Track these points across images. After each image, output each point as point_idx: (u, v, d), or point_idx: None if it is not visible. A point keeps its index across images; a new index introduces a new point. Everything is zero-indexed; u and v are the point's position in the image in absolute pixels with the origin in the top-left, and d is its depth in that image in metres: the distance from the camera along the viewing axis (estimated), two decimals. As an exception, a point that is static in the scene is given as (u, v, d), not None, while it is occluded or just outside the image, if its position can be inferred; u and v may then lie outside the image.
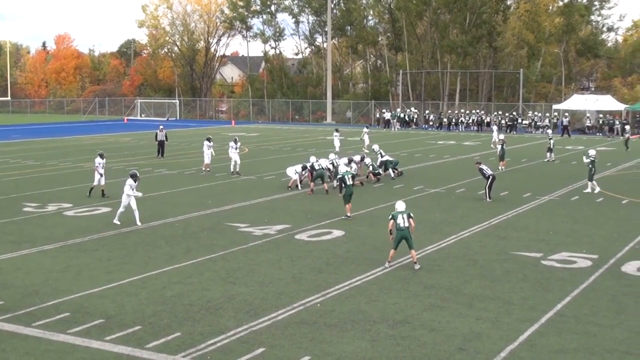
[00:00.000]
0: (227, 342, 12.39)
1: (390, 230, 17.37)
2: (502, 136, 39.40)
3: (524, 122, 72.28)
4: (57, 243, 20.07)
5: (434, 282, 16.23)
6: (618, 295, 15.29)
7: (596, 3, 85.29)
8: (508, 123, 70.73)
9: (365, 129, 50.78)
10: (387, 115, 77.05)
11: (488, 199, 27.44)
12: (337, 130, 47.18)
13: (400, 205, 17.59)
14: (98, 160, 28.02)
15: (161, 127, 44.98)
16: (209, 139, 36.62)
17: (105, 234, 21.30)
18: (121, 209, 23.00)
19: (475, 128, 73.29)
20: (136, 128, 74.66)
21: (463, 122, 74.63)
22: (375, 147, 35.87)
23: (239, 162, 34.99)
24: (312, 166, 30.41)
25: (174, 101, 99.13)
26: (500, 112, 75.53)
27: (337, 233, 21.45)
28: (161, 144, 43.59)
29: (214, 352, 11.95)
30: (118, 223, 22.69)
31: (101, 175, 28.09)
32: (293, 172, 31.03)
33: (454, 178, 33.47)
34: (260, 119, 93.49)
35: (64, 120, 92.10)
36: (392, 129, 73.80)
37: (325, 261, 18.09)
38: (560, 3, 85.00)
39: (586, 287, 15.88)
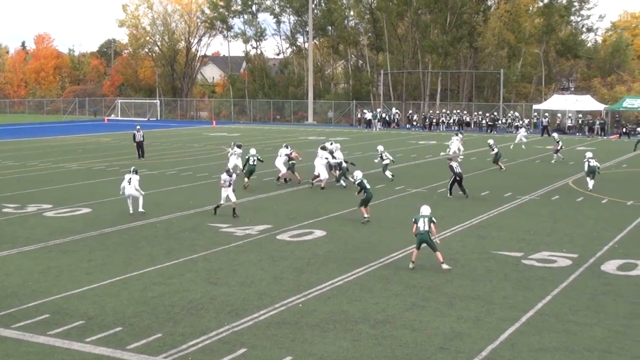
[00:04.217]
0: (209, 343, 12.36)
1: (416, 234, 17.44)
2: (491, 141, 39.06)
3: (503, 121, 72.96)
4: (37, 244, 19.94)
5: (415, 281, 16.27)
6: (598, 294, 15.40)
7: (576, 4, 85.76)
8: (489, 123, 71.20)
9: (456, 136, 45.14)
10: (369, 116, 77.19)
11: (449, 194, 28.32)
12: (457, 134, 44.54)
13: (425, 210, 17.62)
14: (224, 177, 24.01)
15: (138, 127, 44.51)
16: (239, 146, 34.82)
17: (85, 235, 21.18)
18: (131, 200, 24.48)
19: (456, 128, 73.60)
20: (117, 128, 74.30)
21: (444, 122, 74.97)
22: (380, 147, 35.07)
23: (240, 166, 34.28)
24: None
25: (154, 101, 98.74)
26: (480, 112, 75.98)
27: (319, 233, 21.45)
28: (140, 145, 43.24)
29: (195, 353, 11.92)
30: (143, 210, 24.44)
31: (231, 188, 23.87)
32: (282, 163, 31.57)
33: (436, 178, 33.55)
34: (241, 119, 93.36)
35: (43, 120, 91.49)
36: (374, 129, 73.93)
37: (306, 261, 18.09)
38: (540, 4, 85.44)
39: (566, 286, 15.97)
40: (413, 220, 17.57)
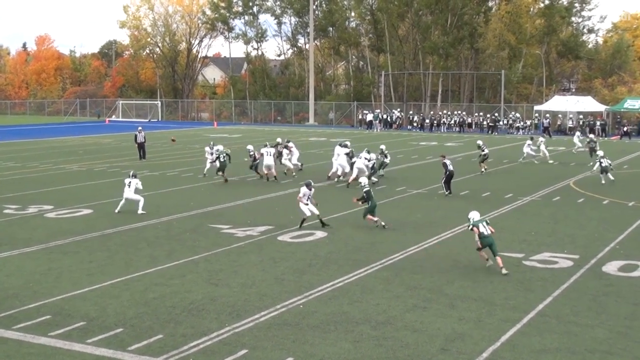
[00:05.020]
0: (210, 344, 12.36)
1: (479, 236, 17.41)
2: (480, 142, 38.38)
3: (504, 122, 73.07)
4: (38, 245, 19.94)
5: (417, 282, 16.25)
6: (599, 295, 15.38)
7: (576, 5, 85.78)
8: (490, 124, 71.22)
9: (530, 141, 43.48)
10: (370, 117, 77.23)
11: (446, 192, 28.79)
12: (531, 138, 43.97)
13: (476, 215, 17.69)
14: (304, 190, 22.41)
15: (140, 128, 44.67)
16: (284, 145, 35.44)
17: (86, 236, 21.18)
18: (124, 202, 24.99)
19: (457, 129, 73.67)
20: (118, 129, 74.34)
21: (445, 123, 74.99)
22: (383, 147, 35.20)
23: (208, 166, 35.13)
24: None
25: (155, 102, 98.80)
26: (481, 113, 75.99)
27: (320, 234, 21.43)
28: (141, 146, 43.30)
29: (196, 354, 11.91)
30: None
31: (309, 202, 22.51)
32: (272, 161, 32.99)
33: (436, 179, 33.45)
34: (242, 120, 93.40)
35: (44, 121, 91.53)
36: (375, 130, 73.95)
37: (307, 262, 18.08)
38: (541, 5, 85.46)
39: (567, 287, 15.96)
40: (470, 227, 17.51)
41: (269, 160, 32.84)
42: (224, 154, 32.46)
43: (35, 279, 16.51)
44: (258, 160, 33.51)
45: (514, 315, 13.96)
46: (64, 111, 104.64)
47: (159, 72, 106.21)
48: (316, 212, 22.22)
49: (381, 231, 21.93)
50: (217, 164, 32.65)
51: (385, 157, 34.31)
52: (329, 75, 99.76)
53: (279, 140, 36.59)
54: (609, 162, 32.45)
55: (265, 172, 33.11)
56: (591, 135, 45.33)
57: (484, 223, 17.41)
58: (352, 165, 32.44)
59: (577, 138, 50.10)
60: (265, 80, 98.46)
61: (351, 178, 31.29)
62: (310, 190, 22.29)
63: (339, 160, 33.06)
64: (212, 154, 34.78)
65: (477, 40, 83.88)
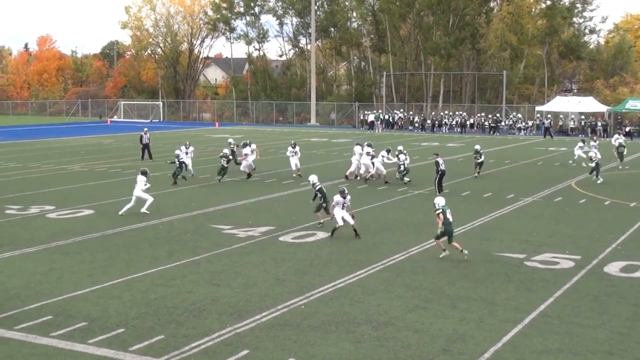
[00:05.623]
0: (211, 345, 12.36)
1: (443, 223, 18.23)
2: (478, 147, 37.27)
3: (505, 123, 73.05)
4: (39, 246, 19.95)
5: (418, 283, 16.25)
6: (600, 295, 15.37)
7: (578, 5, 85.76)
8: (491, 125, 71.21)
9: (593, 143, 41.38)
10: (372, 117, 77.24)
11: (437, 193, 28.70)
12: (594, 141, 42.58)
13: (442, 200, 18.56)
14: (337, 198, 21.27)
15: (145, 129, 45.03)
16: (293, 145, 35.72)
17: (88, 237, 21.19)
18: (132, 204, 24.65)
19: (459, 130, 73.64)
20: (119, 130, 74.38)
21: (446, 124, 74.98)
22: (400, 147, 34.97)
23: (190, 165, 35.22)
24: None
25: (157, 103, 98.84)
26: (483, 114, 75.97)
27: (321, 235, 21.42)
28: (146, 147, 43.50)
29: (197, 355, 11.91)
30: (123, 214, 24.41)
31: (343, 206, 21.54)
32: (252, 161, 34.56)
33: (438, 179, 33.51)
34: (244, 120, 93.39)
35: (46, 122, 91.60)
36: (376, 131, 73.95)
37: (309, 263, 18.08)
38: (543, 5, 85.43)
39: (569, 287, 15.95)
40: (439, 211, 18.28)
41: (250, 159, 34.60)
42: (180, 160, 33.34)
43: (37, 279, 16.52)
44: (228, 166, 33.37)
45: (515, 315, 13.96)
46: (66, 112, 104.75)
47: (160, 73, 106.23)
48: (351, 221, 21.26)
49: (382, 232, 21.93)
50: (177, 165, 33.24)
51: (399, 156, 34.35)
52: (330, 75, 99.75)
53: (230, 140, 36.97)
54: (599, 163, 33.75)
55: (248, 171, 34.52)
56: (620, 140, 44.04)
57: (449, 210, 18.28)
58: (372, 164, 33.36)
59: (615, 140, 48.68)
60: (267, 80, 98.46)
61: (373, 173, 33.04)
62: (344, 198, 21.33)
63: (362, 160, 33.51)
64: (187, 153, 34.89)
65: (478, 41, 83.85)
